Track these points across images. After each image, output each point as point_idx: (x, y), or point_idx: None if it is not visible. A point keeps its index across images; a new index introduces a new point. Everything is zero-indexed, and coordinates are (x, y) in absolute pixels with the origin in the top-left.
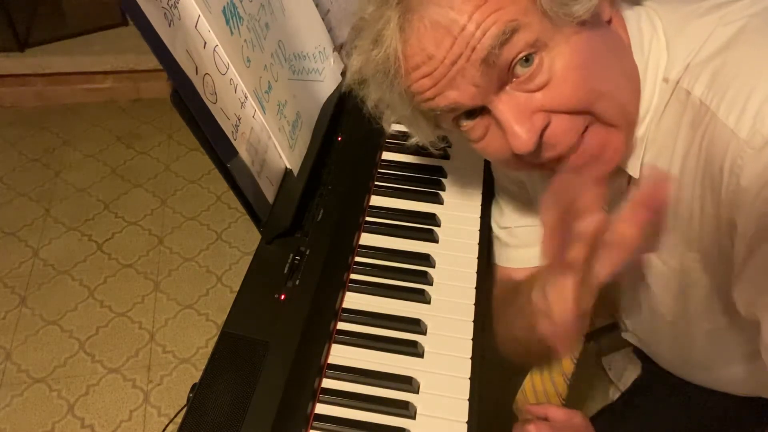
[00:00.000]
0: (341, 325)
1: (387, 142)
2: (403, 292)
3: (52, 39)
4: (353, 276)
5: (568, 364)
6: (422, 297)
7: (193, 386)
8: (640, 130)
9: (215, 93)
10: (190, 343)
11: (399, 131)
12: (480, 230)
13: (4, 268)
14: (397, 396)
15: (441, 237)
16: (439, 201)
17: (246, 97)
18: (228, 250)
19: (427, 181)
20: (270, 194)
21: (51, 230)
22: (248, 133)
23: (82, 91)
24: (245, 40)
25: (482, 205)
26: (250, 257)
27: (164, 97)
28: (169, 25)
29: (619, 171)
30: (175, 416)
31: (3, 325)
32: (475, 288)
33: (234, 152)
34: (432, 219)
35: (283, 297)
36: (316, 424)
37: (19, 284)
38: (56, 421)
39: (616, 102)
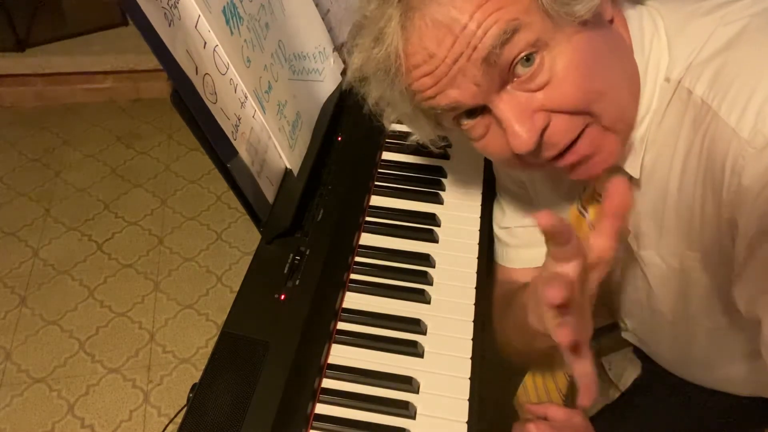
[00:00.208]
0: (341, 325)
1: (387, 142)
2: (403, 292)
3: (52, 39)
4: (353, 276)
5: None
6: (422, 297)
7: (193, 386)
8: (641, 130)
9: (215, 93)
10: (190, 343)
11: (399, 131)
12: (480, 230)
13: (4, 268)
14: (397, 396)
15: (441, 237)
16: (439, 201)
17: (246, 97)
18: (228, 250)
19: (427, 181)
20: (270, 194)
21: (51, 230)
22: (248, 133)
23: (82, 91)
24: (245, 40)
25: (482, 205)
26: (250, 257)
27: (164, 97)
28: (169, 25)
29: (620, 171)
30: (175, 416)
31: (3, 325)
32: (475, 288)
33: (234, 152)
34: (432, 219)
35: (283, 297)
36: (316, 424)
37: (19, 284)
38: (56, 421)
39: (616, 103)
